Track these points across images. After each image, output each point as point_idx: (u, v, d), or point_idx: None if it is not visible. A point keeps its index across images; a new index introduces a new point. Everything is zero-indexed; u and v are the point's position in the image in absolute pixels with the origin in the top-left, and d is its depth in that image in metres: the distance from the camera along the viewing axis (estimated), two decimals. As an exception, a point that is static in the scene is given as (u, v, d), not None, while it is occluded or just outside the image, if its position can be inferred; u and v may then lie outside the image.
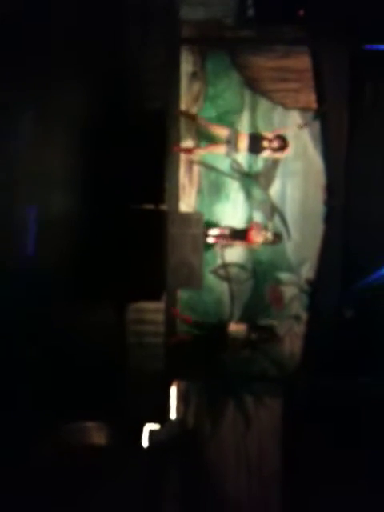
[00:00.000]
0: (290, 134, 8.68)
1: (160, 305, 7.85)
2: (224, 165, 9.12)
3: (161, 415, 8.34)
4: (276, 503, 8.72)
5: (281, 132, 8.55)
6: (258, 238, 8.70)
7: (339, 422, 8.27)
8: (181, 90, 8.84)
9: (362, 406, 8.31)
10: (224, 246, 9.01)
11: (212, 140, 8.76)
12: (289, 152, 8.61)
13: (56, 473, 6.67)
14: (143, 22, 7.63)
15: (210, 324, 8.96)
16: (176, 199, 8.84)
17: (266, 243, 8.79)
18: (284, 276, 9.28)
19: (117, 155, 7.09)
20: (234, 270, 9.22)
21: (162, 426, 8.32)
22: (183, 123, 8.91)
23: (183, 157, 8.95)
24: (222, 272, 9.20)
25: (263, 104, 9.13)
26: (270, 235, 8.77)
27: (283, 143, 8.42)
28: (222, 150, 8.55)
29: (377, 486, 8.01)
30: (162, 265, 7.53)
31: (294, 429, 8.68)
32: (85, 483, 6.88)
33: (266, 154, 8.55)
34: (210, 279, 9.11)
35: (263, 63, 8.97)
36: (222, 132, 8.52)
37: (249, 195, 9.21)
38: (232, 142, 8.41)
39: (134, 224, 7.27)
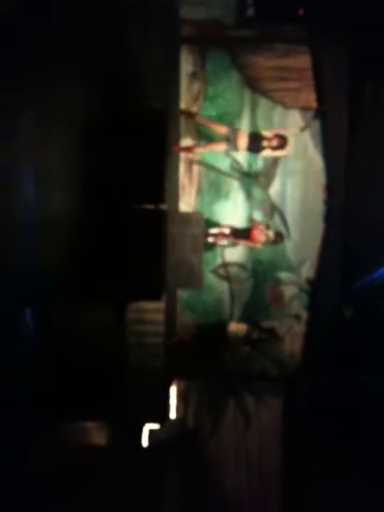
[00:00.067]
0: (290, 133, 8.68)
1: (160, 305, 7.86)
2: (224, 164, 9.12)
3: (161, 415, 8.36)
4: (276, 502, 8.73)
5: (281, 133, 8.53)
6: (260, 236, 8.70)
7: (339, 421, 8.28)
8: (181, 89, 8.84)
9: (362, 405, 8.31)
10: (224, 246, 9.02)
11: (212, 139, 8.75)
12: (289, 151, 8.62)
13: (56, 473, 6.69)
14: (143, 21, 7.63)
15: (210, 324, 8.97)
16: (176, 199, 8.84)
17: (268, 242, 8.79)
18: (284, 275, 9.28)
19: (117, 155, 7.08)
20: (233, 270, 9.22)
21: (161, 425, 8.33)
22: (183, 123, 8.91)
23: (183, 156, 8.95)
24: (221, 271, 9.20)
25: (263, 103, 9.12)
26: (272, 234, 8.77)
27: (282, 141, 8.41)
28: (221, 147, 8.53)
29: (377, 485, 8.00)
30: (162, 264, 7.52)
31: (294, 428, 8.69)
32: (85, 483, 6.89)
33: (265, 153, 8.55)
34: (210, 279, 9.11)
35: (263, 63, 8.96)
36: (221, 130, 8.51)
37: (249, 195, 9.21)
38: (232, 140, 8.40)
39: (134, 224, 7.26)
